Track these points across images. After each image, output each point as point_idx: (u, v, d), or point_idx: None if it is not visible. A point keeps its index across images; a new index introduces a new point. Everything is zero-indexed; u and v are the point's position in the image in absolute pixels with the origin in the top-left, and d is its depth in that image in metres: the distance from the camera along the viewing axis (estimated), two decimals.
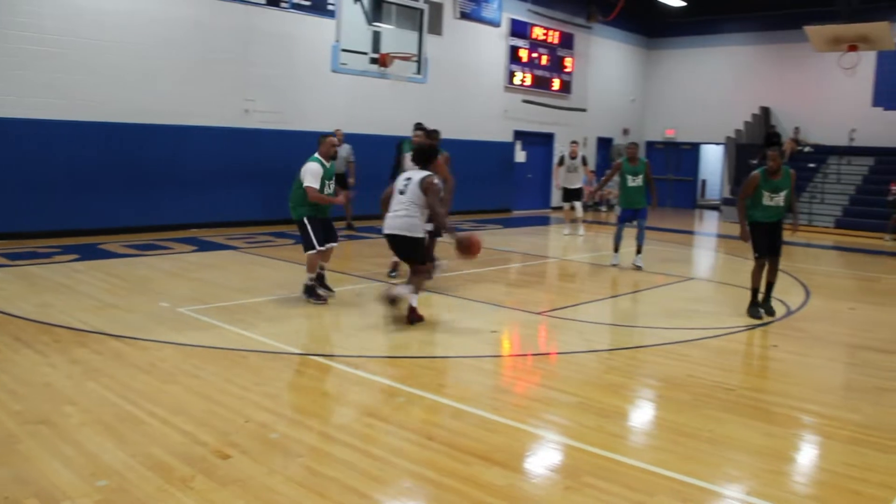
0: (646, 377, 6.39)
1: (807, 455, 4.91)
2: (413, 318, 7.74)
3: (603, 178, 12.64)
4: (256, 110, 15.59)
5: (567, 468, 4.44)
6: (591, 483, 4.15)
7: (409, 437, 4.70)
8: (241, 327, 7.31)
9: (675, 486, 4.16)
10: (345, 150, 15.18)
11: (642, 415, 5.57)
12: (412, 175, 7.82)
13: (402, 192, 7.76)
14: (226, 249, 12.51)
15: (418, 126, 10.34)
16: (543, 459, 4.59)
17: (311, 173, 8.50)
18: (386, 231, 7.87)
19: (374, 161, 14.94)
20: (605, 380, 6.21)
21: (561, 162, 16.33)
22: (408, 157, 9.35)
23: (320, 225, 8.72)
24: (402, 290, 7.72)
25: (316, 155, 8.65)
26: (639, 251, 11.99)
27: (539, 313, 8.61)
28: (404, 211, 7.68)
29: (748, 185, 8.48)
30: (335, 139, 9.13)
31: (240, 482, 4.01)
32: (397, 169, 10.57)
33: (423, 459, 4.39)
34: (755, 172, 8.47)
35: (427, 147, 8.22)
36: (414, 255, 7.85)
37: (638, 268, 11.77)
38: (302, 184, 8.53)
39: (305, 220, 8.61)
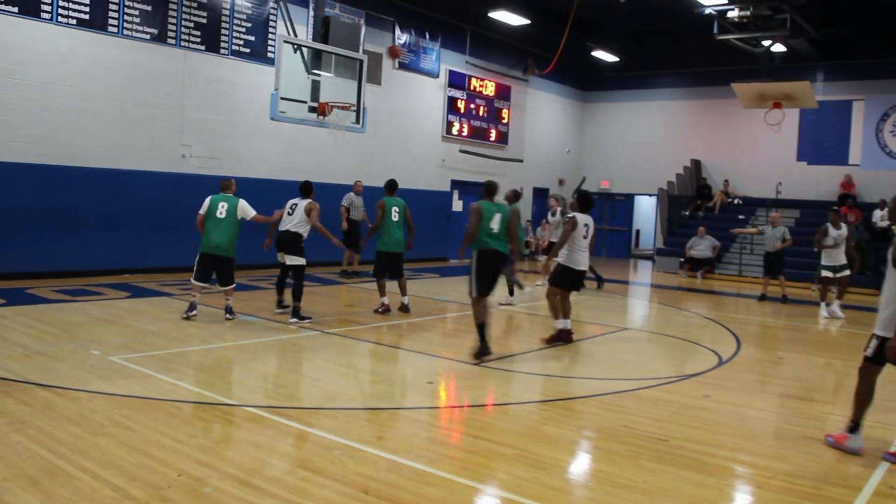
0: (581, 428, 6.45)
1: None
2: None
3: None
4: (193, 156, 15.48)
5: None
6: None
7: (345, 490, 4.65)
8: (174, 377, 7.18)
9: None
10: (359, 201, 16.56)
11: (578, 466, 5.61)
12: (588, 221, 9.82)
13: (585, 237, 9.73)
14: (159, 296, 12.30)
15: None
16: None
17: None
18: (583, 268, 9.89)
19: None
20: (542, 431, 6.24)
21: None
22: None
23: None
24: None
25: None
26: None
27: (476, 364, 8.63)
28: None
29: None
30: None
31: None
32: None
33: None
34: None
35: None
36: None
37: None
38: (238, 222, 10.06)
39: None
